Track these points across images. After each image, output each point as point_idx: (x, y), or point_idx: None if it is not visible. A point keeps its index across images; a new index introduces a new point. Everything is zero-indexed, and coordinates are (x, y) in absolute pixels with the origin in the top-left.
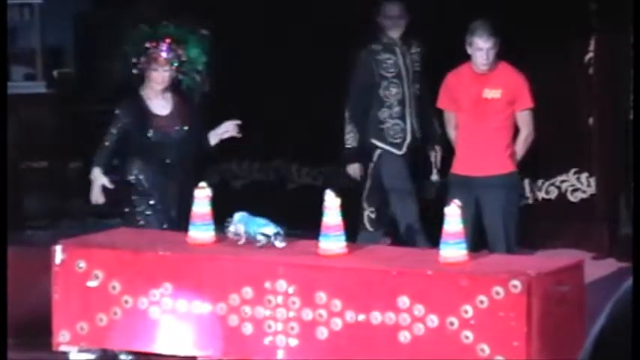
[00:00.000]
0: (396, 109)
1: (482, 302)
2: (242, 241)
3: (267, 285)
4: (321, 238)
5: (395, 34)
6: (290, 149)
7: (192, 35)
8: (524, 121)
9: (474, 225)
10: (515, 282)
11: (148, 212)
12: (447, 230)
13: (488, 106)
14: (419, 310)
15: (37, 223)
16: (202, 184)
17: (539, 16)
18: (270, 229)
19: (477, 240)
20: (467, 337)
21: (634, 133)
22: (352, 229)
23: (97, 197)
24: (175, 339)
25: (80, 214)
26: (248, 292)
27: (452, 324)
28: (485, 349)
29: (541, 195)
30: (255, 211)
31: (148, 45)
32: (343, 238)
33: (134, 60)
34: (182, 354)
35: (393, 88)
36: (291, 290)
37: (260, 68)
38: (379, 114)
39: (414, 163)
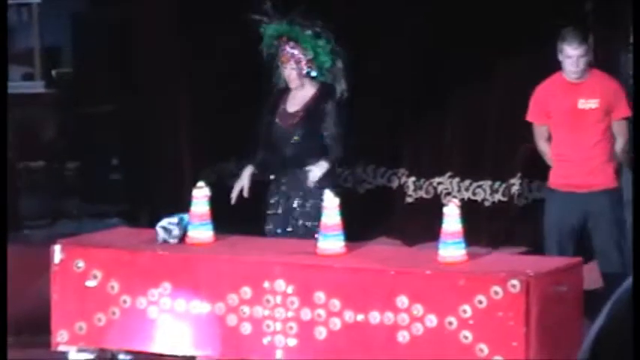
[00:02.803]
0: None
1: (480, 302)
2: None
3: (266, 285)
4: (319, 238)
5: None
6: None
7: (303, 33)
8: (621, 130)
9: (576, 236)
10: (514, 282)
11: (270, 211)
12: (445, 230)
13: (585, 117)
14: (417, 310)
15: (34, 223)
16: (200, 183)
17: (535, 14)
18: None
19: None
20: (466, 337)
21: (634, 133)
22: (350, 228)
23: (233, 194)
24: (174, 339)
25: (78, 213)
26: (247, 291)
27: (451, 324)
28: (484, 349)
29: (539, 195)
30: (253, 210)
31: (276, 42)
32: (342, 237)
33: (275, 57)
34: (180, 354)
35: None
36: (289, 290)
37: None
38: None
39: None
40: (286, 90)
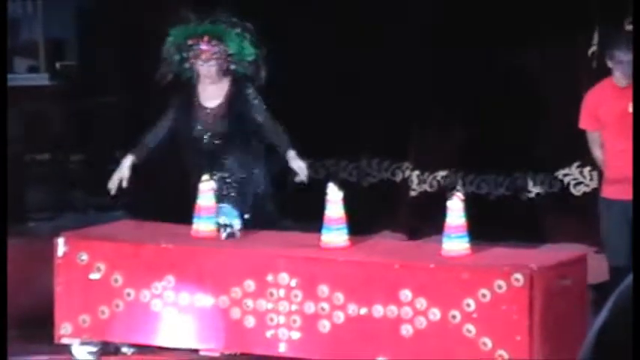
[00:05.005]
0: None
1: (484, 296)
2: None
3: (270, 278)
4: (323, 231)
5: None
6: (292, 141)
7: (229, 30)
8: None
9: (628, 248)
10: (518, 275)
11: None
12: (449, 223)
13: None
14: (421, 303)
15: (39, 215)
16: (205, 177)
17: (542, 10)
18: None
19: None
20: (469, 331)
21: (634, 132)
22: (354, 222)
23: (112, 184)
24: (177, 332)
25: (82, 206)
26: (250, 285)
27: (454, 317)
28: (488, 342)
29: (544, 188)
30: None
31: (190, 42)
32: (345, 231)
33: (184, 54)
34: (184, 347)
35: None
36: (293, 283)
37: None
38: None
39: None
40: (195, 86)
